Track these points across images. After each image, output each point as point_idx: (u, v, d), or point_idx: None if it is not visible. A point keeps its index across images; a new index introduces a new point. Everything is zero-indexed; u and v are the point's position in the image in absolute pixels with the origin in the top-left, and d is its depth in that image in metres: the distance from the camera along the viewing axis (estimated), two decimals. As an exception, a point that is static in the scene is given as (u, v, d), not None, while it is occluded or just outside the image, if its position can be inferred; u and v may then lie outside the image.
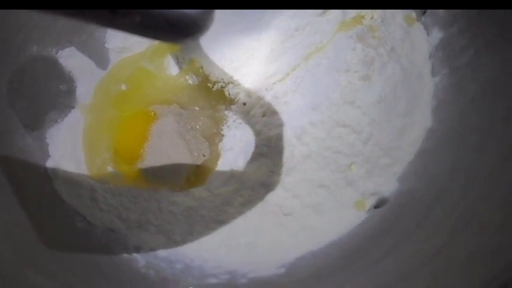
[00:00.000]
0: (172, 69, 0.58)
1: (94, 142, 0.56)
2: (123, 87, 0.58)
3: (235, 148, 0.54)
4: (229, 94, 0.54)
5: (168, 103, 0.57)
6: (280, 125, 0.51)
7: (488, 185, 0.40)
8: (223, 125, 0.55)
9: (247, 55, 0.54)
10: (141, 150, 0.55)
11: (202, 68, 0.55)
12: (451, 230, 0.39)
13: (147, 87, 0.58)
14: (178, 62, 0.58)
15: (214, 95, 0.55)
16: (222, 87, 0.55)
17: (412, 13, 0.52)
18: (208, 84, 0.55)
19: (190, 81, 0.57)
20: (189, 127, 0.56)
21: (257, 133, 0.53)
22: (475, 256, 0.35)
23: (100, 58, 0.59)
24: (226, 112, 0.55)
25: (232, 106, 0.55)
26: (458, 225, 0.39)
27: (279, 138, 0.50)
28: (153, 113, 0.56)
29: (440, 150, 0.48)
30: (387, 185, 0.50)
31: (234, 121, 0.55)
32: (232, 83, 0.54)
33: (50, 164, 0.54)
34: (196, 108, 0.57)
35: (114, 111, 0.57)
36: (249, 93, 0.53)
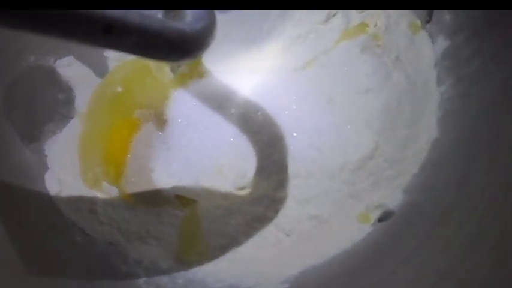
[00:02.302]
0: (170, 74, 0.57)
1: (87, 154, 0.54)
2: (119, 89, 0.56)
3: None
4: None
5: (154, 108, 0.55)
6: (282, 136, 0.50)
7: (497, 199, 0.39)
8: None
9: (248, 64, 0.53)
10: (124, 162, 0.53)
11: (200, 75, 0.55)
12: (461, 246, 0.38)
13: (140, 90, 0.56)
14: (179, 66, 0.57)
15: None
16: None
17: (417, 20, 0.51)
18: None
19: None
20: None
21: (258, 145, 0.52)
22: (488, 276, 0.34)
23: (98, 67, 0.58)
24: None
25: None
26: (468, 242, 0.37)
27: (281, 150, 0.50)
28: (138, 121, 0.54)
29: (446, 161, 0.47)
30: (392, 198, 0.48)
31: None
32: (231, 92, 0.53)
33: (48, 176, 0.53)
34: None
35: (107, 118, 0.55)
36: (248, 104, 0.52)
